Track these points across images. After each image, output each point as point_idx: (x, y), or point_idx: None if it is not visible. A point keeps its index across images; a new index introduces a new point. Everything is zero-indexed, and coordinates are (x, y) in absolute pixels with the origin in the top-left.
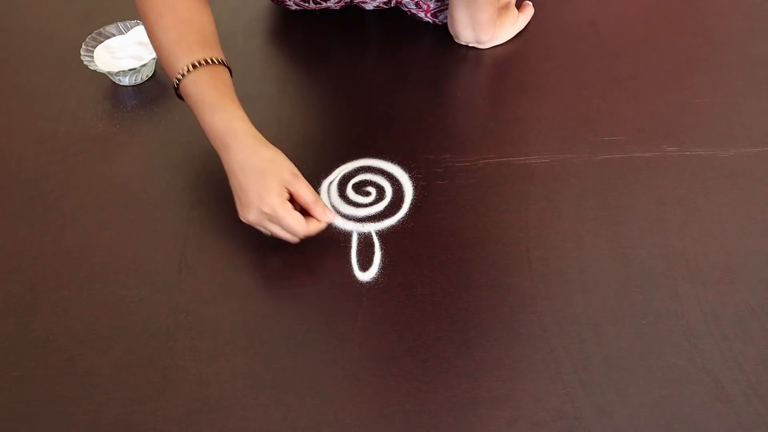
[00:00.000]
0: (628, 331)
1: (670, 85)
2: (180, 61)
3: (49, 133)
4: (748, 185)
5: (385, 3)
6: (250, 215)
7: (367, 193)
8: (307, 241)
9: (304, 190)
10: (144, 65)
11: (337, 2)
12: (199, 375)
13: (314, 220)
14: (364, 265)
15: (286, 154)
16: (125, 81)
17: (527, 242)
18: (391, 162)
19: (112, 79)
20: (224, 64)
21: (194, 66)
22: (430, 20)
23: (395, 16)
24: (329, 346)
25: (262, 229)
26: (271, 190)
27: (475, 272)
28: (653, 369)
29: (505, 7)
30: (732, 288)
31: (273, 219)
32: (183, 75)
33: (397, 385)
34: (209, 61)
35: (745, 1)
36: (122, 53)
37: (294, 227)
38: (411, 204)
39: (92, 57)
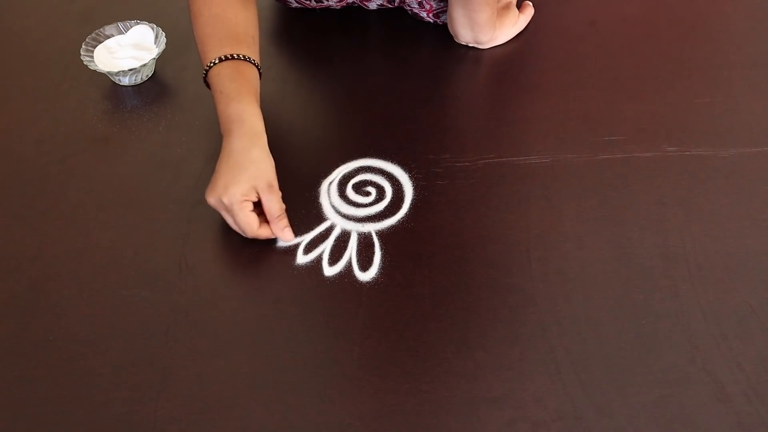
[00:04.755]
0: (628, 331)
1: (670, 85)
2: (209, 54)
3: (49, 133)
4: (748, 185)
5: (388, 2)
6: (210, 198)
7: (367, 193)
8: (307, 242)
9: (272, 203)
10: (144, 65)
11: (339, 2)
12: (199, 375)
13: (267, 227)
14: (364, 265)
15: (285, 153)
16: (125, 81)
17: (527, 242)
18: (391, 162)
19: (112, 79)
20: (250, 61)
21: (220, 59)
22: (431, 20)
23: (395, 16)
24: (329, 346)
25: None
26: (238, 185)
27: (475, 272)
28: (653, 369)
29: (506, 8)
30: (732, 288)
31: (228, 210)
32: (209, 66)
33: (397, 385)
34: (234, 56)
35: (745, 1)
36: (122, 53)
37: (243, 226)
38: (411, 204)
39: (92, 57)
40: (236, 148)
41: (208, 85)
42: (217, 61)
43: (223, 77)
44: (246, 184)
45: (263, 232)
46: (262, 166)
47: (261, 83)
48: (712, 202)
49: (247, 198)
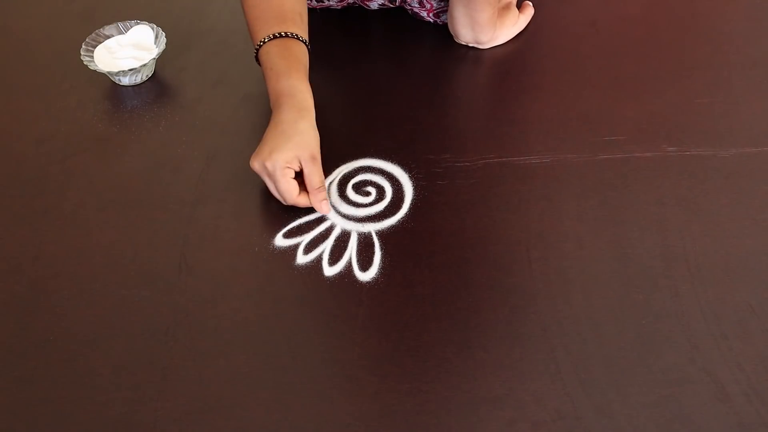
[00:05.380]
0: (628, 331)
1: (670, 85)
2: (258, 34)
3: (49, 133)
4: (748, 185)
5: (389, 2)
6: (255, 163)
7: (367, 193)
8: (307, 242)
9: (313, 174)
10: (144, 65)
11: (339, 1)
12: (199, 375)
13: (306, 196)
14: (364, 265)
15: None
16: (125, 81)
17: (527, 242)
18: (391, 162)
19: (112, 79)
20: (298, 38)
21: (269, 38)
22: (431, 20)
23: (396, 16)
24: (329, 346)
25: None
26: (282, 153)
27: (475, 272)
28: (653, 369)
29: (506, 8)
30: (732, 288)
31: (270, 176)
32: (259, 45)
33: (397, 385)
34: (282, 34)
35: (745, 1)
36: (122, 53)
37: (283, 192)
38: (411, 204)
39: (92, 57)
40: (285, 119)
41: (259, 63)
42: (266, 40)
43: (273, 55)
44: (290, 153)
45: (302, 200)
46: (307, 138)
47: (260, 85)
48: (712, 202)
49: (289, 165)
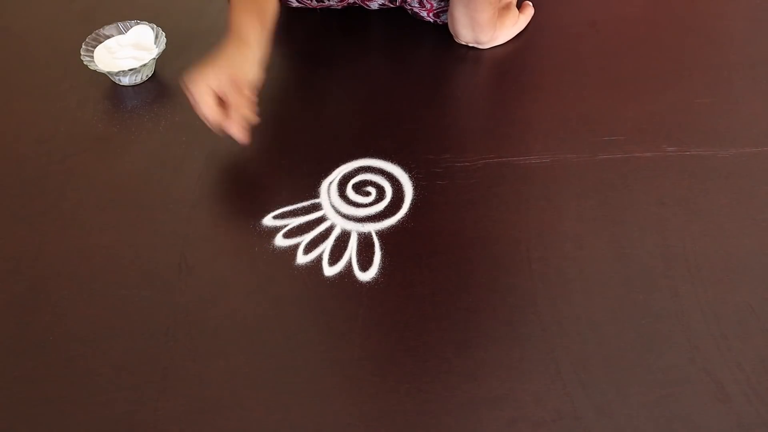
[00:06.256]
0: (628, 331)
1: (670, 85)
2: None
3: (49, 133)
4: (748, 185)
5: (390, 1)
6: (188, 82)
7: (367, 193)
8: (307, 242)
9: (230, 95)
10: (144, 65)
11: (340, 1)
12: (199, 375)
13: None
14: (364, 265)
15: (285, 153)
16: (125, 81)
17: (527, 242)
18: (391, 162)
19: (112, 79)
20: None
21: None
22: (431, 20)
23: (396, 16)
24: (329, 346)
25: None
26: (205, 72)
27: (475, 272)
28: (653, 369)
29: (506, 8)
30: (732, 288)
31: (191, 94)
32: None
33: (397, 385)
34: None
35: (745, 1)
36: (122, 53)
37: (201, 110)
38: (411, 204)
39: (92, 57)
40: (223, 51)
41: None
42: None
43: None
44: (212, 75)
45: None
46: (234, 62)
47: (260, 83)
48: (712, 202)
49: (207, 83)
